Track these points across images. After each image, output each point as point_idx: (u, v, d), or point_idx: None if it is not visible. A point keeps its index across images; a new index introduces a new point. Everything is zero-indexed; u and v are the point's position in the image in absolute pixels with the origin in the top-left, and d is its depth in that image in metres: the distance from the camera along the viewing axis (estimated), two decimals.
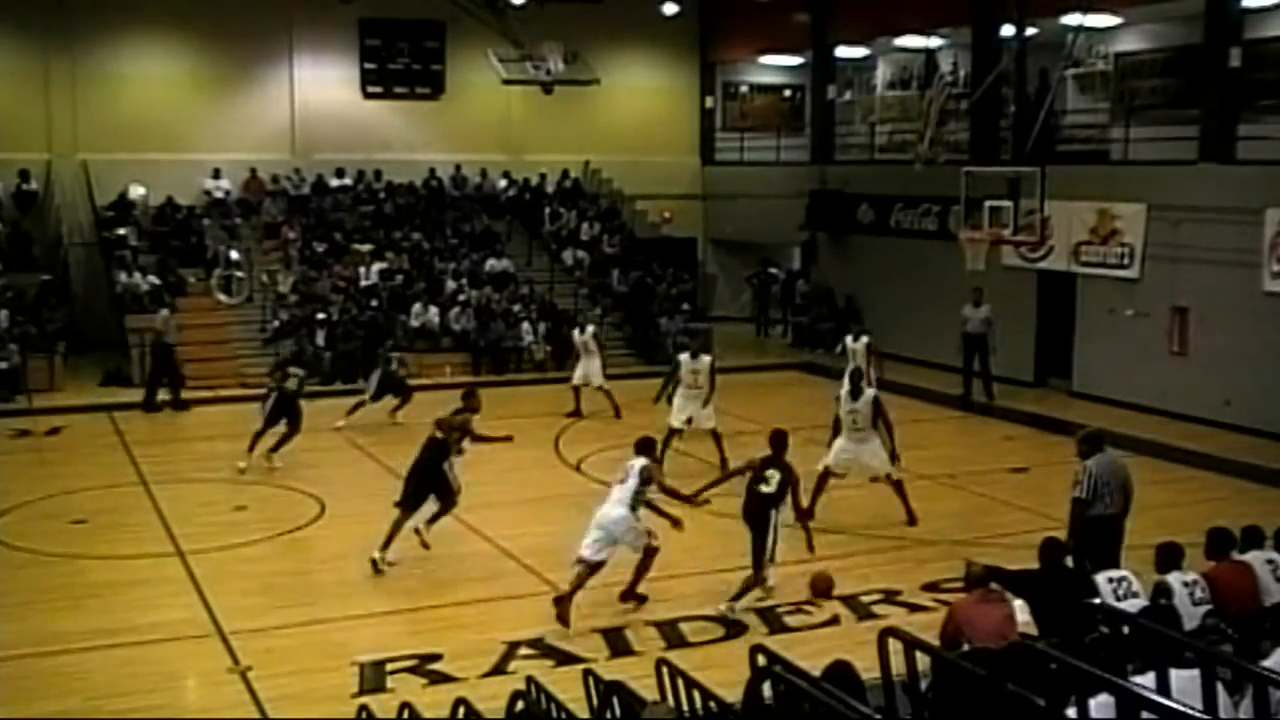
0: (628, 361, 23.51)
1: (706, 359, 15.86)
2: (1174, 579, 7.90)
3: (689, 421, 15.43)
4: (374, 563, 11.53)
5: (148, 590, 11.28)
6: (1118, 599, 7.75)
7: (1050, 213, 18.24)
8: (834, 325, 23.25)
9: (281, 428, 15.70)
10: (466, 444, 12.16)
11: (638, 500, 10.51)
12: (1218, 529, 8.62)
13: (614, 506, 10.49)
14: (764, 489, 10.66)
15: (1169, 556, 8.21)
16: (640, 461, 10.68)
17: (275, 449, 15.63)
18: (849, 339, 17.86)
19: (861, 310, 24.23)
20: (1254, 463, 15.44)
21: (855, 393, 13.37)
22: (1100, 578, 8.02)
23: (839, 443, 13.29)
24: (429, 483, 11.79)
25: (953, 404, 17.21)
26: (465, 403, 12.54)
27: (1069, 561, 8.47)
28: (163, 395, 19.74)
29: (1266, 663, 5.79)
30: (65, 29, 24.59)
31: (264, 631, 10.24)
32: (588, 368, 19.29)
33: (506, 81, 23.56)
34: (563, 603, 10.20)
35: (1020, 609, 7.83)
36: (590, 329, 19.82)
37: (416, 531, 11.78)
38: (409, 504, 11.79)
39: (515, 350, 23.03)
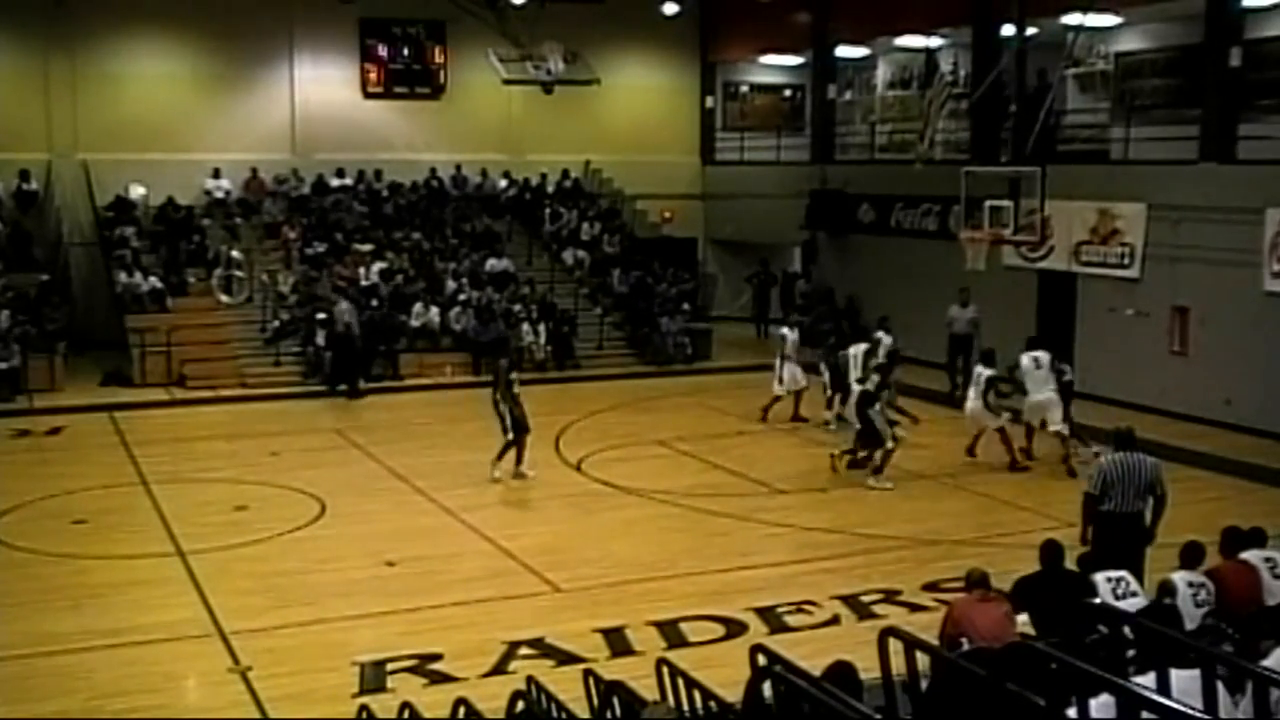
0: (628, 361, 23.50)
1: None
2: (1179, 578, 7.87)
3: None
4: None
5: (148, 590, 11.26)
6: (1116, 598, 7.74)
7: (1050, 212, 18.18)
8: (834, 325, 23.19)
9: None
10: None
11: (988, 397, 15.30)
12: (1231, 528, 8.62)
13: (973, 401, 15.53)
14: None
15: (1190, 557, 8.19)
16: (987, 372, 15.43)
17: (519, 460, 15.24)
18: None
19: (862, 309, 24.21)
20: (1254, 463, 15.40)
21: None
22: (1099, 577, 8.00)
23: None
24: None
25: (953, 404, 17.24)
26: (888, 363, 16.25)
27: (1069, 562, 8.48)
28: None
29: (1266, 662, 5.78)
30: (65, 29, 24.54)
31: (264, 631, 10.23)
32: (794, 370, 18.63)
33: (507, 81, 23.52)
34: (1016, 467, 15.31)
35: None
36: (797, 331, 19.28)
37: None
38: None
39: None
